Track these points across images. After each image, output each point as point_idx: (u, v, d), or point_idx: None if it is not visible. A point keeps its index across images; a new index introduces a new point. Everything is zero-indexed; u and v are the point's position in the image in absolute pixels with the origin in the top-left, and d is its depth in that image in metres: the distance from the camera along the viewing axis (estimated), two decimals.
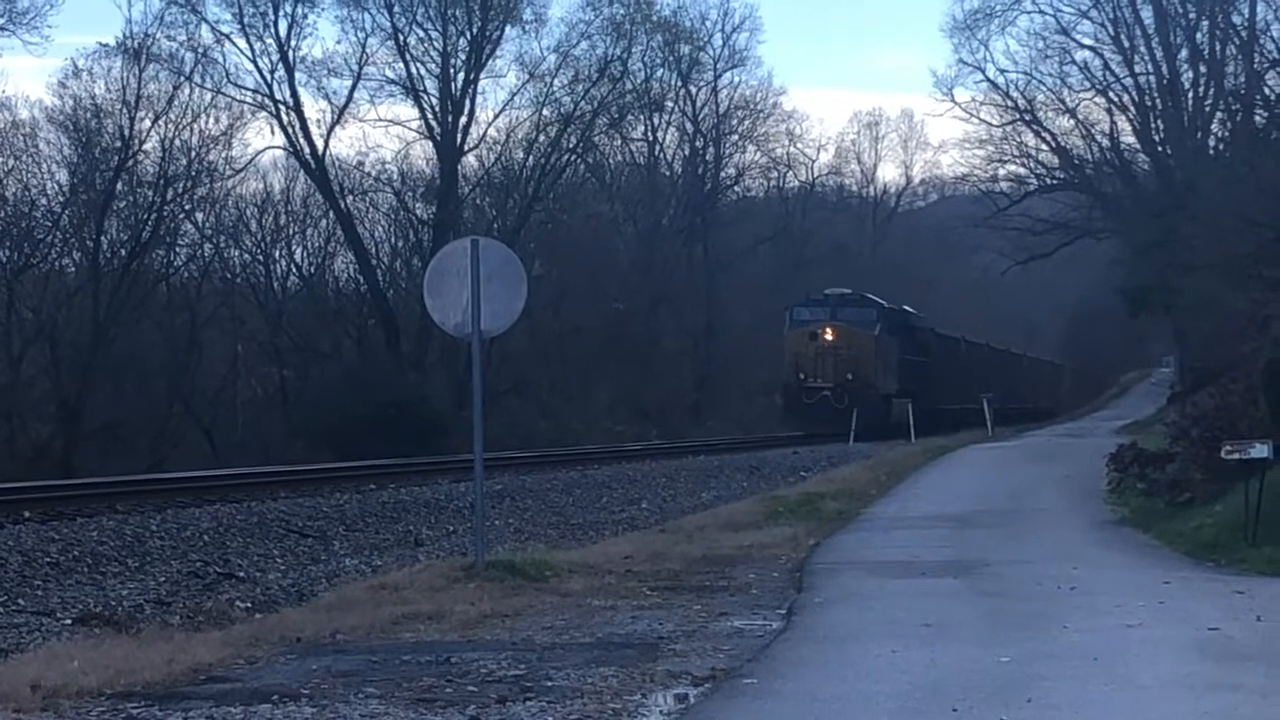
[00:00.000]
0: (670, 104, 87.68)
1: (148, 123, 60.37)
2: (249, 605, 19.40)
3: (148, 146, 60.61)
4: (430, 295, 18.35)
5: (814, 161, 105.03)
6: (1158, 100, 63.32)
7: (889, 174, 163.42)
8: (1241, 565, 19.37)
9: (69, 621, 17.93)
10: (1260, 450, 21.16)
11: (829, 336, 62.31)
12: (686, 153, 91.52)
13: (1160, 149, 63.16)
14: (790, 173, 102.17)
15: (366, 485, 33.52)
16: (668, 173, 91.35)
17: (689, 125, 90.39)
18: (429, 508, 30.76)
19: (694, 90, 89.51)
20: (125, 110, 59.69)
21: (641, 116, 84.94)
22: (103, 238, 58.85)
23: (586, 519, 31.42)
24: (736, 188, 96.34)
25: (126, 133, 59.53)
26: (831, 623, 14.77)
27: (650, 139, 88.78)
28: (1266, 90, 52.34)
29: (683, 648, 13.24)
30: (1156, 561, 20.31)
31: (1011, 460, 42.02)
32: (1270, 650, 12.54)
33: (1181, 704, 10.49)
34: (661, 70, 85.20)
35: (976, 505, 28.74)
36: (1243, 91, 54.69)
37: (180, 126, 61.37)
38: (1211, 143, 59.59)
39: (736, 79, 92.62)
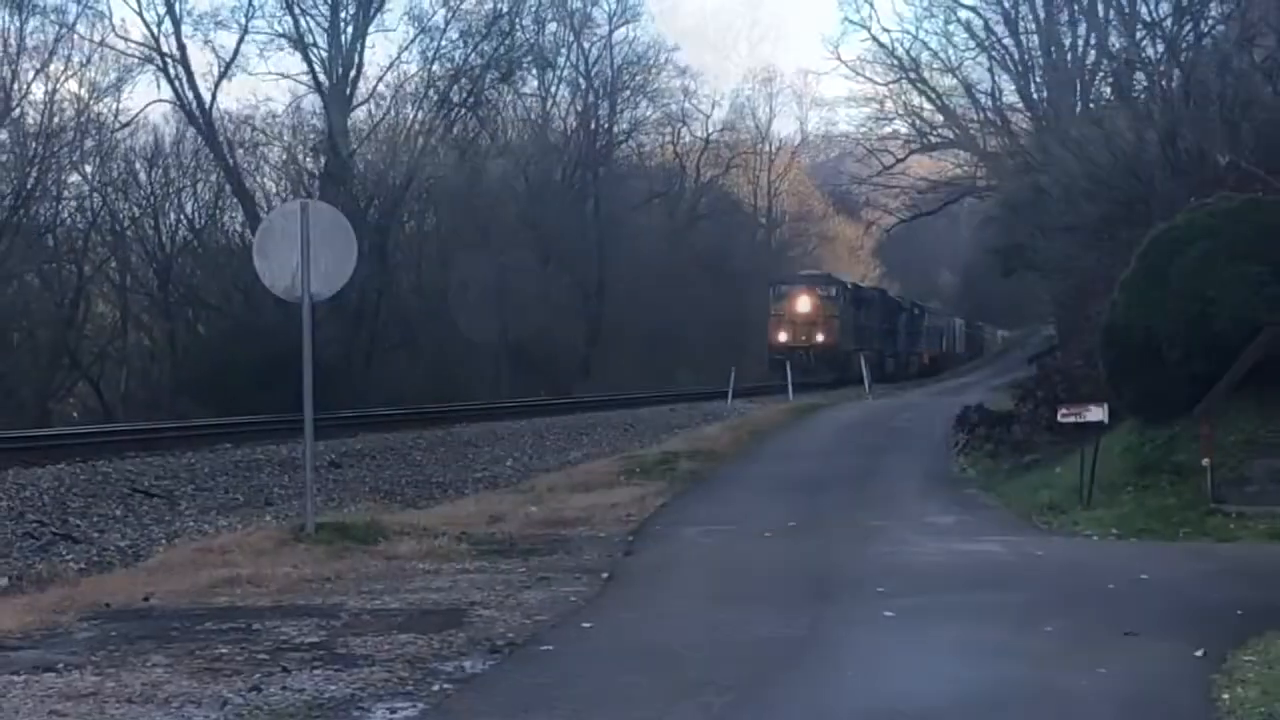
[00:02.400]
0: (563, 59, 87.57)
1: (31, 73, 59.91)
2: (82, 567, 19.32)
3: (34, 98, 60.11)
4: (260, 258, 18.27)
5: (709, 117, 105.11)
6: (1039, 58, 63.64)
7: (784, 130, 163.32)
8: (1073, 527, 19.63)
9: None
10: (1095, 414, 21.48)
11: (805, 308, 74.56)
12: (580, 108, 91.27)
13: (1041, 107, 63.45)
14: (685, 128, 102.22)
15: (221, 444, 33.29)
16: (561, 127, 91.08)
17: (582, 80, 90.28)
18: (284, 467, 30.54)
19: (587, 46, 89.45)
20: (7, 61, 59.20)
21: (533, 71, 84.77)
22: None
23: (447, 478, 31.32)
24: (630, 143, 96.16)
25: (8, 83, 59.01)
26: (649, 587, 14.91)
27: (543, 94, 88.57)
28: (1147, 53, 52.60)
29: (492, 614, 13.20)
30: (990, 521, 20.57)
31: (876, 419, 42.00)
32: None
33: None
34: (554, 25, 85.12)
35: (826, 466, 28.89)
36: (1125, 56, 54.91)
37: (65, 78, 60.94)
38: (1092, 106, 59.91)
39: (631, 34, 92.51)
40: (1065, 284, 35.52)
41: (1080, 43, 61.90)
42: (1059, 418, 22.18)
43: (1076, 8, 61.61)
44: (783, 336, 74.34)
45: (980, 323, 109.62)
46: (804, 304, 74.79)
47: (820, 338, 74.03)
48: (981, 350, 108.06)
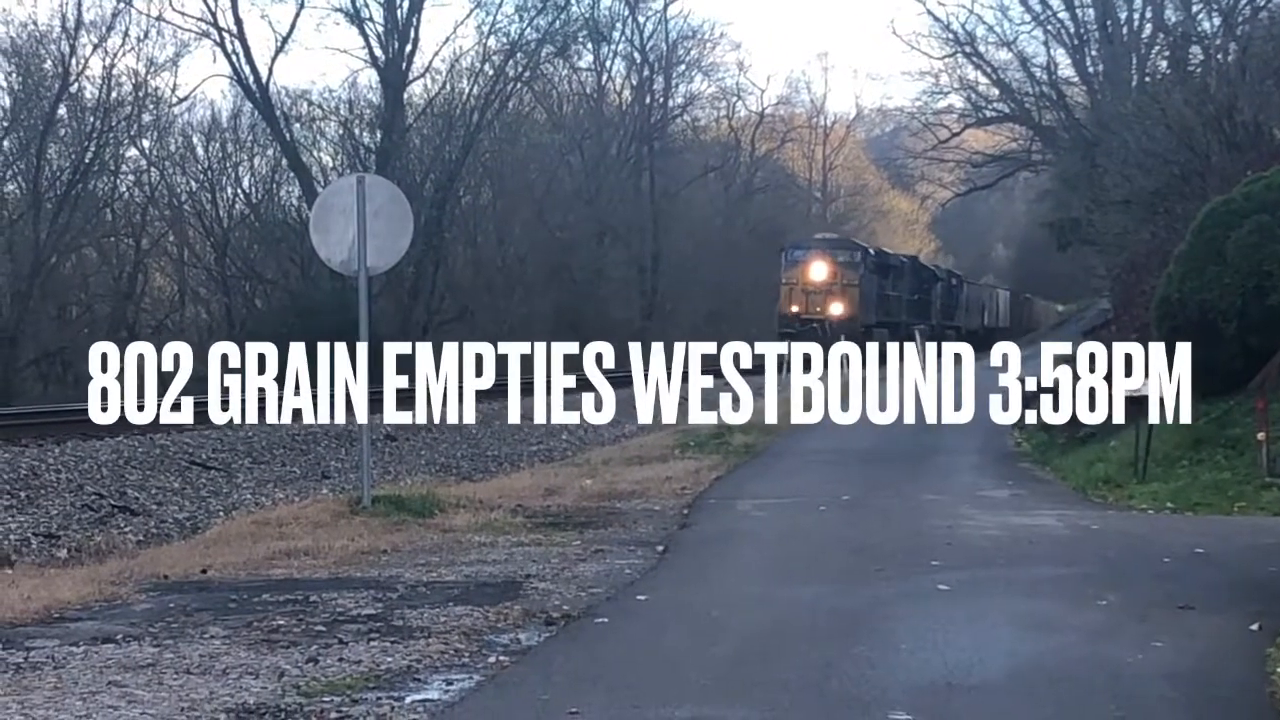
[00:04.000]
0: (618, 33, 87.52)
1: (89, 48, 60.33)
2: (140, 539, 19.44)
3: (92, 73, 60.51)
4: (316, 232, 18.34)
5: (764, 91, 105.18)
6: (1095, 32, 63.60)
7: (839, 104, 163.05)
8: (1128, 501, 19.59)
9: None
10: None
11: (820, 275, 67.21)
12: (635, 82, 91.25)
13: (1096, 81, 63.45)
14: (740, 102, 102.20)
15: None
16: (616, 101, 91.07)
17: (637, 55, 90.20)
18: (340, 439, 30.55)
19: (642, 20, 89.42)
20: (65, 36, 59.63)
21: (588, 45, 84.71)
22: (44, 164, 58.70)
23: (502, 451, 31.34)
24: (685, 117, 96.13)
25: (67, 58, 59.45)
26: (703, 560, 14.87)
27: (598, 69, 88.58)
28: (1204, 26, 52.48)
29: (547, 587, 13.20)
30: (1045, 495, 20.53)
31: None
32: None
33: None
34: None
35: (882, 440, 28.86)
36: (1181, 29, 54.77)
37: (123, 52, 61.33)
38: (1147, 79, 59.90)
39: (685, 8, 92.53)
40: (1120, 258, 35.39)
41: (1136, 16, 61.82)
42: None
43: None
44: (794, 307, 67.01)
45: (1029, 295, 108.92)
46: (819, 271, 67.20)
47: (837, 309, 66.23)
48: (1029, 325, 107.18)
